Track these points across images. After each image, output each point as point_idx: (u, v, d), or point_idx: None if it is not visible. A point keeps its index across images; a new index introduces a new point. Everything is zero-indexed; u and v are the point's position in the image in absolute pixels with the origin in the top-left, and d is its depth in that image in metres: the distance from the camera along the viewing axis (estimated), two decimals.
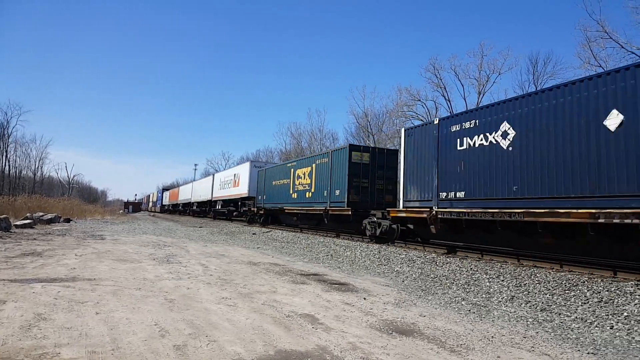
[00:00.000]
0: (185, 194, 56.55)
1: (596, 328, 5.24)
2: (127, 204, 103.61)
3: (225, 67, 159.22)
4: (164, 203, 75.64)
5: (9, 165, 59.69)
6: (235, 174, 34.62)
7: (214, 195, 40.37)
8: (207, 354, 3.74)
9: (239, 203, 32.59)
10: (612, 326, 5.26)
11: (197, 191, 48.98)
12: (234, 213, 34.21)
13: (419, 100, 38.15)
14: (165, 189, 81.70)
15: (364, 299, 6.47)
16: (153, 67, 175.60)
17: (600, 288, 6.69)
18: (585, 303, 6.21)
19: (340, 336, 4.44)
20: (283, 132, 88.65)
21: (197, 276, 7.86)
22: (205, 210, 45.99)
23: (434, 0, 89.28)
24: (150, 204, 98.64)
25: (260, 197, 27.44)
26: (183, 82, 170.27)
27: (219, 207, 38.97)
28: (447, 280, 8.34)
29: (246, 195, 30.41)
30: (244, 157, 74.79)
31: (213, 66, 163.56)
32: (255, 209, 27.99)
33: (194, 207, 51.01)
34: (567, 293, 6.74)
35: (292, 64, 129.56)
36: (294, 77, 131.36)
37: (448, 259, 10.24)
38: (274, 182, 24.96)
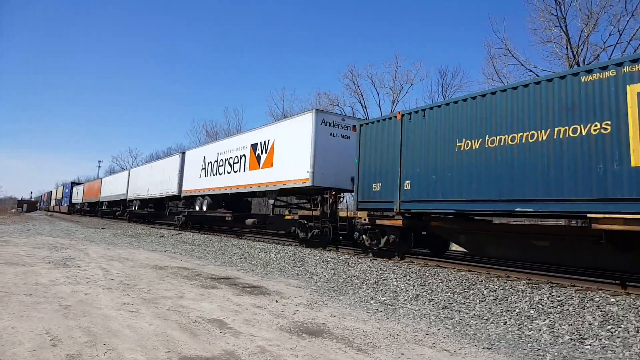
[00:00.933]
0: (117, 188, 37.08)
1: (492, 324, 5.65)
2: (21, 203, 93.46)
3: (135, 57, 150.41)
4: (74, 201, 58.92)
5: None
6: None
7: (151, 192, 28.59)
8: None
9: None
10: (506, 322, 5.70)
11: (144, 180, 30.95)
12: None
13: (337, 105, 39.09)
14: (75, 183, 65.67)
15: (276, 301, 6.40)
16: (52, 54, 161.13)
17: (496, 287, 7.23)
18: (482, 301, 6.67)
19: (249, 340, 4.33)
20: (198, 130, 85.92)
21: (96, 281, 7.30)
22: (158, 212, 30.49)
23: (353, 10, 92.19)
24: (53, 202, 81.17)
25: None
26: (85, 71, 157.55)
27: (135, 207, 31.90)
28: (358, 280, 8.55)
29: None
30: (153, 154, 70.93)
31: (122, 56, 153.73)
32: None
33: (135, 207, 32.90)
34: (467, 292, 7.21)
35: (208, 60, 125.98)
36: (210, 73, 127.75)
37: (360, 260, 10.50)
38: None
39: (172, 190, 25.04)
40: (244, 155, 18.02)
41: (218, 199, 20.80)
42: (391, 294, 7.41)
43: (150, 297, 6.21)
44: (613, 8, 21.38)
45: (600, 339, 4.86)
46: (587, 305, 5.88)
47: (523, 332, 5.27)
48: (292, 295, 6.93)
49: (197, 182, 22.48)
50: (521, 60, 24.69)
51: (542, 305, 6.10)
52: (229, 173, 19.20)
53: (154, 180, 28.47)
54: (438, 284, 7.73)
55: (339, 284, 8.38)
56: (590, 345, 4.75)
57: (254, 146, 17.29)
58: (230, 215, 19.30)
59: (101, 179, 46.91)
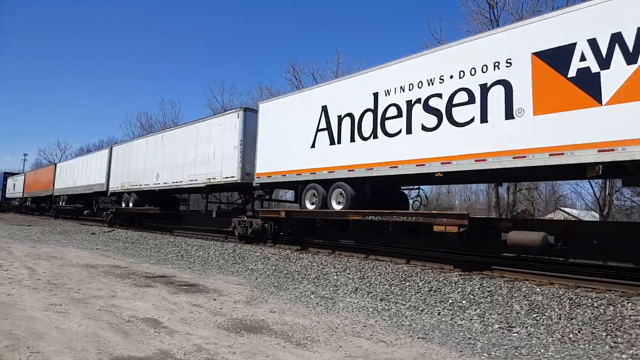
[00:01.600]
0: (85, 176, 27.28)
1: (426, 315, 5.88)
2: None
3: (62, 50, 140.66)
4: (9, 195, 48.41)
5: None
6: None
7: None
8: None
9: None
10: (440, 312, 5.96)
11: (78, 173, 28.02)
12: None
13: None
14: (10, 174, 52.85)
15: (214, 299, 6.28)
16: None
17: (430, 279, 7.52)
18: (418, 292, 6.93)
19: (185, 339, 4.22)
20: (132, 122, 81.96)
21: (20, 281, 6.82)
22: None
23: (294, 5, 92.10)
24: None
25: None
26: (6, 63, 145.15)
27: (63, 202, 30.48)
28: (299, 275, 8.59)
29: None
30: (84, 147, 66.88)
31: (49, 49, 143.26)
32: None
33: (63, 203, 30.66)
34: (403, 283, 7.45)
35: (143, 51, 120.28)
36: (145, 64, 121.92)
37: (301, 255, 10.54)
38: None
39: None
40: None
41: (145, 195, 20.10)
42: (331, 288, 7.51)
43: (80, 297, 5.88)
44: (542, 12, 22.84)
45: (527, 327, 5.22)
46: (515, 295, 6.26)
47: (455, 322, 5.54)
48: (231, 293, 6.84)
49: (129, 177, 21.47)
50: None
51: (474, 296, 6.43)
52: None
53: (84, 174, 27.04)
54: (376, 277, 7.93)
55: (279, 279, 8.38)
56: (517, 332, 5.08)
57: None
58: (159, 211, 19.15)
59: (55, 164, 36.22)
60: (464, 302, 6.28)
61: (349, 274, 8.33)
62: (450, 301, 6.37)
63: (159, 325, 4.70)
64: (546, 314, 5.53)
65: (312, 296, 6.87)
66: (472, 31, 25.13)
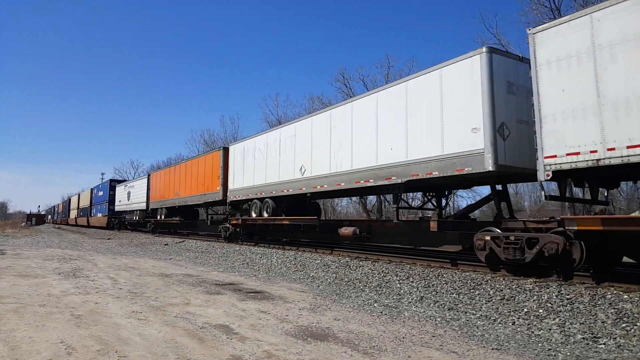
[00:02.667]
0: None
1: (499, 324, 5.67)
2: (29, 216, 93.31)
3: (134, 72, 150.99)
4: (119, 208, 37.89)
5: None
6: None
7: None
8: None
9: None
10: (514, 322, 5.72)
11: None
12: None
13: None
14: (118, 181, 42.37)
15: (280, 306, 6.44)
16: (50, 70, 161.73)
17: (502, 286, 7.22)
18: (489, 301, 6.68)
19: (256, 345, 4.37)
20: (196, 139, 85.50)
21: (105, 290, 7.36)
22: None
23: (342, 13, 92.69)
24: (73, 212, 59.51)
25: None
26: (86, 86, 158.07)
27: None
28: (360, 283, 8.58)
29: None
30: (154, 165, 70.29)
31: (121, 70, 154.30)
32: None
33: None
34: (472, 292, 7.22)
35: (204, 71, 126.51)
36: (207, 84, 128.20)
37: (361, 263, 10.52)
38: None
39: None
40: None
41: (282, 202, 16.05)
42: (395, 297, 7.44)
43: (158, 305, 6.26)
44: None
45: (615, 338, 4.85)
46: (599, 303, 5.84)
47: (533, 332, 5.29)
48: (295, 300, 6.97)
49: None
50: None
51: (551, 304, 6.09)
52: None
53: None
54: (442, 285, 7.75)
55: (341, 287, 8.41)
56: (604, 344, 4.73)
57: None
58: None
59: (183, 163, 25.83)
60: (540, 310, 5.97)
61: (412, 282, 8.21)
62: (525, 310, 6.09)
63: (231, 331, 4.90)
64: (638, 324, 5.11)
65: (375, 304, 6.84)
66: (531, 22, 23.91)
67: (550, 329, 5.32)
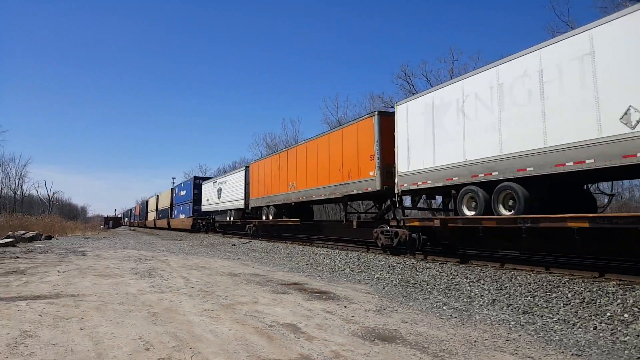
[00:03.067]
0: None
1: (579, 329, 5.30)
2: (107, 219, 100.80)
3: (199, 81, 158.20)
4: (207, 208, 33.21)
5: None
6: None
7: None
8: None
9: None
10: (596, 327, 5.32)
11: None
12: None
13: (392, 106, 38.66)
14: (203, 178, 38.62)
15: (345, 307, 6.42)
16: (122, 81, 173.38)
17: (581, 289, 6.76)
18: (567, 304, 6.28)
19: (323, 345, 4.39)
20: (259, 142, 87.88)
21: (179, 289, 7.72)
22: None
23: (401, 9, 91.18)
24: (151, 214, 57.10)
25: None
26: (156, 97, 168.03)
27: None
28: (427, 285, 8.37)
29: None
30: (221, 169, 72.94)
31: (187, 80, 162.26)
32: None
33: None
34: (549, 295, 6.82)
35: (264, 75, 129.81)
36: (267, 88, 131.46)
37: (428, 265, 10.27)
38: None
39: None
40: None
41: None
42: (465, 299, 7.18)
43: (228, 303, 6.48)
44: None
45: None
46: None
47: (617, 338, 4.89)
48: (360, 301, 6.93)
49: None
50: None
51: (639, 308, 5.61)
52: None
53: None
54: (516, 288, 7.38)
55: (407, 289, 8.25)
56: None
57: None
58: None
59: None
60: (625, 315, 5.51)
61: (483, 284, 7.88)
62: (608, 314, 5.65)
63: (298, 330, 4.95)
64: None
65: (444, 307, 6.63)
66: (607, 7, 22.09)
67: (638, 335, 4.88)
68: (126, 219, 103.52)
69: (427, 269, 9.80)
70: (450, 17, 79.45)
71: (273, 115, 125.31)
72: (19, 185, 68.74)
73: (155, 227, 54.40)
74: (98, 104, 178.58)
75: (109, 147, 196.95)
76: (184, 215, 39.36)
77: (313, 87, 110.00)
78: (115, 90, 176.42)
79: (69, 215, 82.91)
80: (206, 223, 34.55)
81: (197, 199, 35.86)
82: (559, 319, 5.75)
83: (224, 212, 29.52)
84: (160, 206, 52.30)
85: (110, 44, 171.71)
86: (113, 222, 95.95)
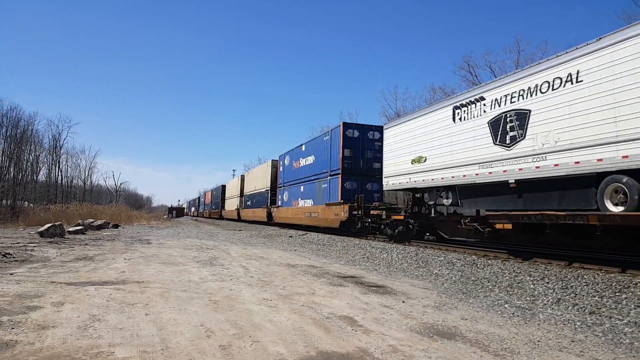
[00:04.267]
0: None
1: None
2: (171, 209, 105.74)
3: (257, 76, 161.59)
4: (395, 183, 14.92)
5: (61, 175, 62.68)
6: None
7: None
8: (252, 354, 3.82)
9: None
10: None
11: None
12: None
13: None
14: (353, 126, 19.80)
15: (403, 301, 6.40)
16: (187, 79, 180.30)
17: None
18: (638, 306, 5.90)
19: (380, 339, 4.42)
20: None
21: (238, 278, 8.00)
22: None
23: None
24: (236, 201, 43.47)
25: None
26: (217, 90, 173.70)
27: None
28: (488, 282, 8.14)
29: None
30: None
31: (245, 75, 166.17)
32: None
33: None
34: (618, 295, 6.44)
35: (323, 67, 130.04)
36: (326, 80, 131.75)
37: (489, 261, 9.98)
38: None
39: None
40: None
41: None
42: (528, 298, 6.93)
43: (286, 293, 6.66)
44: None
45: None
46: None
47: None
48: (418, 296, 6.87)
49: None
50: None
51: None
52: None
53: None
54: (582, 287, 7.02)
55: (467, 286, 8.07)
56: None
57: None
58: None
59: None
60: None
61: (547, 283, 7.56)
62: None
63: (355, 323, 5.01)
64: None
65: (506, 305, 6.44)
66: None
67: None
68: (192, 209, 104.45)
69: (488, 265, 9.54)
70: (517, 5, 75.57)
71: (331, 107, 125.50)
72: (89, 176, 73.39)
73: (239, 219, 41.35)
74: (163, 101, 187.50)
75: (173, 141, 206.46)
76: (311, 202, 23.53)
77: (371, 79, 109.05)
78: (180, 88, 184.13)
79: (135, 204, 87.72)
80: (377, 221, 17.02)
81: (353, 167, 19.68)
82: (629, 321, 5.41)
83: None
84: (250, 189, 37.41)
85: (177, 43, 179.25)
86: (176, 212, 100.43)
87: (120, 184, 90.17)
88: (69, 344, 3.90)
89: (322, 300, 6.23)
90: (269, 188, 32.81)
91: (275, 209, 30.76)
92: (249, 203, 38.72)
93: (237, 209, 42.41)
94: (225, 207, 50.93)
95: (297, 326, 4.79)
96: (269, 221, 32.33)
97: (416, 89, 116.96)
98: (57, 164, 61.25)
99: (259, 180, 36.01)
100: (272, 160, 33.23)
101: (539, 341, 4.54)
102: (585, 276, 7.64)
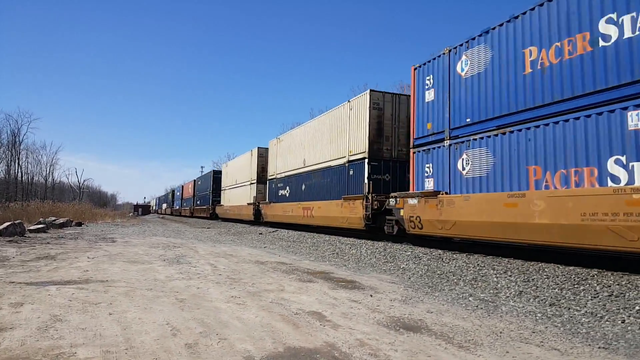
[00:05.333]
0: None
1: (607, 322, 5.21)
2: (136, 207, 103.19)
3: (226, 70, 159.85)
4: None
5: (21, 172, 60.37)
6: None
7: None
8: (218, 352, 3.77)
9: None
10: (624, 320, 5.22)
11: None
12: None
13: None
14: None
15: (371, 296, 6.48)
16: (153, 71, 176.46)
17: (610, 282, 6.64)
18: (595, 297, 6.17)
19: (348, 333, 4.46)
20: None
21: (206, 276, 7.90)
22: None
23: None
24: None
25: None
26: (185, 85, 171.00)
27: None
28: (454, 276, 8.33)
29: None
30: None
31: (215, 69, 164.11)
32: None
33: None
34: (577, 287, 6.71)
35: (292, 64, 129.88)
36: (296, 78, 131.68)
37: (455, 255, 10.21)
38: None
39: None
40: None
41: None
42: (491, 291, 7.13)
43: (255, 291, 6.62)
44: None
45: None
46: None
47: None
48: (386, 291, 6.97)
49: None
50: None
51: None
52: None
53: None
54: (544, 280, 7.28)
55: (433, 280, 8.24)
56: None
57: None
58: None
59: None
60: None
61: (510, 276, 7.80)
62: (637, 308, 5.52)
63: (323, 318, 5.04)
64: None
65: (470, 298, 6.61)
66: None
67: None
68: (164, 205, 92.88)
69: (453, 259, 9.76)
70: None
71: (301, 106, 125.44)
72: (50, 173, 71.07)
73: (258, 221, 27.70)
74: (128, 95, 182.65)
75: (139, 136, 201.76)
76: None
77: (341, 77, 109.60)
78: (145, 80, 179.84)
79: (99, 202, 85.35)
80: None
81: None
82: (586, 312, 5.66)
83: None
84: (286, 167, 24.02)
85: (142, 35, 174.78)
86: (142, 210, 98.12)
87: (84, 180, 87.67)
88: (28, 345, 3.76)
89: (291, 297, 6.23)
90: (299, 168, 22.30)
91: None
92: (284, 192, 24.30)
93: (254, 204, 28.87)
94: (224, 202, 39.12)
95: (266, 323, 4.78)
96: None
97: (385, 86, 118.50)
98: (17, 160, 58.93)
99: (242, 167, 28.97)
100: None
101: (501, 332, 4.68)
102: (546, 269, 7.92)
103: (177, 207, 70.29)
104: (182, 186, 67.12)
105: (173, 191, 75.74)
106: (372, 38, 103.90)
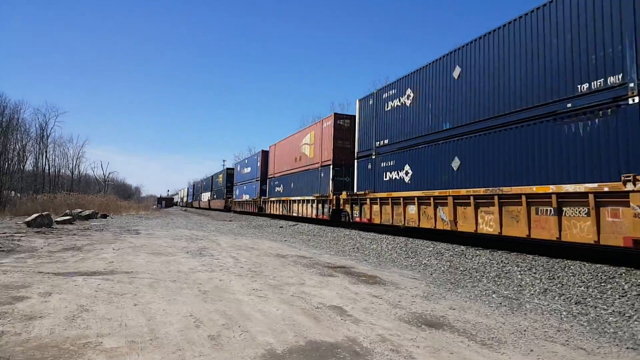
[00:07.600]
0: None
1: (636, 322, 5.07)
2: (160, 200, 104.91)
3: (249, 63, 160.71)
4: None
5: (49, 165, 61.82)
6: None
7: None
8: (241, 343, 3.82)
9: None
10: None
11: None
12: None
13: None
14: None
15: (392, 291, 6.45)
16: (177, 68, 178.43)
17: (639, 281, 6.46)
18: (623, 296, 6.01)
19: (369, 328, 4.45)
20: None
21: (228, 268, 7.99)
22: None
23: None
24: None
25: None
26: (208, 80, 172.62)
27: None
28: (477, 273, 8.23)
29: None
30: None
31: (237, 64, 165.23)
32: None
33: None
34: (603, 286, 6.55)
35: (315, 58, 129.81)
36: (318, 72, 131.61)
37: (477, 252, 10.08)
38: None
39: None
40: None
41: None
42: (515, 288, 7.02)
43: (276, 284, 6.67)
44: None
45: None
46: None
47: None
48: (407, 286, 6.93)
49: None
50: None
51: None
52: None
53: None
54: (569, 278, 7.13)
55: (455, 276, 8.15)
56: None
57: None
58: None
59: None
60: None
61: (535, 273, 7.66)
62: None
63: (344, 313, 5.04)
64: None
65: (493, 295, 6.52)
66: None
67: None
68: (190, 198, 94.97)
69: (476, 256, 9.64)
70: None
71: (322, 98, 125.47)
72: (76, 165, 72.54)
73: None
74: (152, 89, 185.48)
75: (163, 130, 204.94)
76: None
77: (363, 71, 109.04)
78: (169, 76, 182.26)
79: (124, 194, 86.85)
80: None
81: None
82: (613, 311, 5.52)
83: None
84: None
85: (168, 32, 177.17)
86: (165, 202, 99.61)
87: (109, 173, 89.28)
88: (57, 334, 3.88)
89: (312, 291, 6.25)
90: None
91: None
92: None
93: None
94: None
95: (287, 316, 4.81)
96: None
97: None
98: (45, 153, 60.40)
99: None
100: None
101: (525, 330, 4.60)
102: (572, 267, 7.75)
103: (197, 201, 77.71)
104: (203, 180, 74.07)
105: (194, 185, 79.06)
106: (390, 30, 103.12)
